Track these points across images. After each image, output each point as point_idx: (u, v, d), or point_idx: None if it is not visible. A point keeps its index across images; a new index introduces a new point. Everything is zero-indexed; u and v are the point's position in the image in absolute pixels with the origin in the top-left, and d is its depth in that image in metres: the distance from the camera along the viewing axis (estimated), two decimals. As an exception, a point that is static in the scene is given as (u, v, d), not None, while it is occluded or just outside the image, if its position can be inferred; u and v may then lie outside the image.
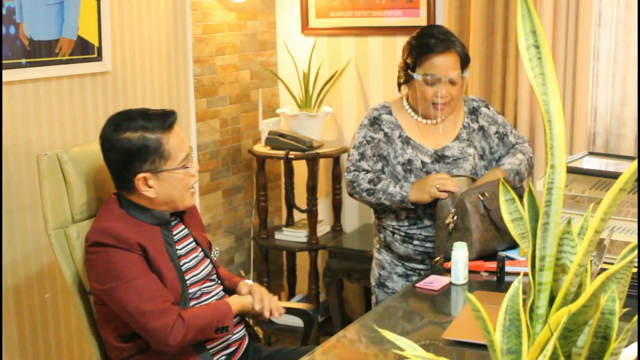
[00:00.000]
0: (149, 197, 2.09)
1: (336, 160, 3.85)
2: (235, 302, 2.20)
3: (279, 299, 4.09)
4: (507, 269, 2.27)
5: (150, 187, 2.08)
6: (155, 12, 3.20)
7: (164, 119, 2.09)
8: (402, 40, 2.70)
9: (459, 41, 2.62)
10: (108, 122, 2.13)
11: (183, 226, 2.22)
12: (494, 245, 2.45)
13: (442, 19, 3.58)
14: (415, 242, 2.63)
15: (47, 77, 2.73)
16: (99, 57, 2.91)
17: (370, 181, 2.58)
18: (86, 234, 2.10)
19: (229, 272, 2.42)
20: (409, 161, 2.61)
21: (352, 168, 2.64)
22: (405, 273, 2.69)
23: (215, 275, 2.28)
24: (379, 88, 3.89)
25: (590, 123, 3.34)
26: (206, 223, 3.73)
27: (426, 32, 2.62)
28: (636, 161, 0.94)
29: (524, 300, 1.05)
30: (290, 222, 4.01)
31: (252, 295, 2.25)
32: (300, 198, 3.92)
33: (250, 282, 2.34)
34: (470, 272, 2.29)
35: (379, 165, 2.64)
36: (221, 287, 2.28)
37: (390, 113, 2.68)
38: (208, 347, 2.12)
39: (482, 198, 2.45)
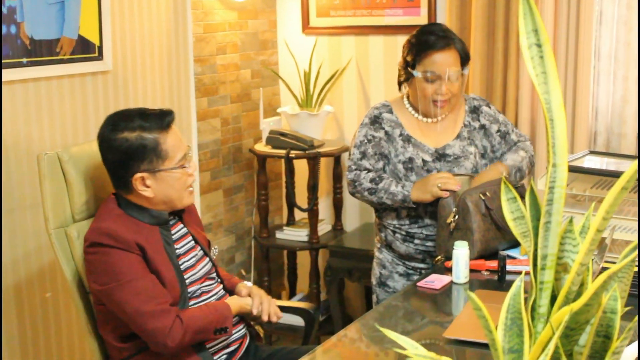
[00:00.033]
0: (147, 197, 2.09)
1: (337, 159, 3.85)
2: (235, 304, 2.20)
3: (280, 298, 4.13)
4: (508, 267, 2.27)
5: (147, 186, 2.08)
6: (156, 11, 3.20)
7: (162, 119, 2.09)
8: (402, 40, 2.70)
9: (458, 38, 2.62)
10: (106, 121, 2.13)
11: (182, 225, 2.22)
12: (495, 245, 2.45)
13: (443, 18, 3.58)
14: (416, 241, 2.63)
15: (48, 76, 2.73)
16: (100, 57, 2.91)
17: (371, 180, 2.58)
18: (85, 234, 2.10)
19: (227, 272, 2.42)
20: (410, 159, 2.61)
21: (353, 167, 2.63)
22: (406, 272, 2.69)
23: (215, 274, 2.28)
24: (379, 87, 3.89)
25: (591, 122, 3.34)
26: (207, 222, 3.73)
27: (426, 30, 2.62)
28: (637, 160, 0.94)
29: (526, 299, 1.05)
30: (291, 221, 4.01)
31: (252, 297, 2.25)
32: (301, 197, 3.92)
33: (249, 283, 2.34)
34: (471, 271, 2.28)
35: (381, 164, 2.64)
36: (221, 286, 2.28)
37: (391, 112, 2.68)
38: (208, 345, 2.12)
39: (483, 197, 2.45)
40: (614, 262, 0.99)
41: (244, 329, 2.26)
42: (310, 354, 1.86)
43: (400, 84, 2.70)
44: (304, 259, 4.04)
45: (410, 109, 2.69)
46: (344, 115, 4.01)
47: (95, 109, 2.92)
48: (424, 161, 2.61)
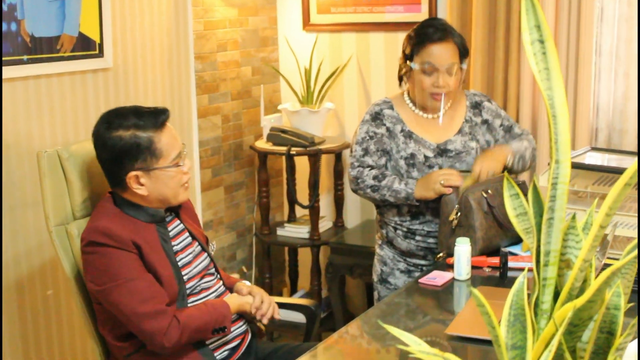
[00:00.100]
0: (142, 195, 2.08)
1: (338, 156, 3.85)
2: (234, 302, 2.19)
3: (281, 294, 4.13)
4: (510, 264, 2.27)
5: (142, 185, 2.07)
6: (156, 9, 3.19)
7: (156, 117, 2.09)
8: (403, 36, 2.70)
9: (457, 33, 2.63)
10: (100, 119, 2.12)
11: (178, 221, 2.22)
12: (497, 242, 2.45)
13: (444, 14, 3.57)
14: (418, 238, 2.63)
15: (49, 73, 2.73)
16: (101, 54, 2.91)
17: (374, 178, 2.58)
18: (81, 233, 2.10)
19: (224, 272, 2.41)
20: (412, 155, 2.61)
21: (356, 164, 2.63)
22: (407, 269, 2.69)
23: (214, 269, 2.27)
24: (380, 84, 3.88)
25: (592, 118, 3.33)
26: (208, 219, 3.73)
27: (426, 23, 2.64)
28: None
29: (529, 296, 1.05)
30: (292, 218, 4.01)
31: (253, 296, 2.24)
32: (302, 194, 3.92)
33: (248, 283, 2.33)
34: (473, 267, 2.29)
35: (383, 161, 2.63)
36: (221, 282, 2.28)
37: (391, 108, 2.68)
38: (208, 342, 2.12)
39: (485, 195, 2.45)
40: (616, 259, 0.99)
41: (244, 326, 2.26)
42: (312, 351, 1.86)
43: (400, 78, 2.70)
44: (305, 256, 4.04)
45: (411, 105, 2.69)
46: (345, 112, 4.00)
47: (95, 107, 2.91)
48: (425, 157, 2.61)
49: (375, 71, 3.89)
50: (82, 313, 2.19)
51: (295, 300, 2.71)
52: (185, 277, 2.12)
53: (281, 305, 2.36)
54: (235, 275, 2.70)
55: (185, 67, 3.39)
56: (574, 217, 1.03)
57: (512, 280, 1.07)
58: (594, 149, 2.73)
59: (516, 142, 2.65)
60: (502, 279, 2.24)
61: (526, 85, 3.34)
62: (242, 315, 2.25)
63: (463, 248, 2.24)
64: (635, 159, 2.48)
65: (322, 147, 3.69)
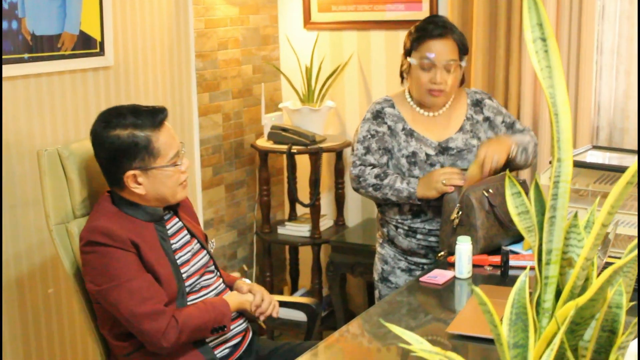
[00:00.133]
0: (140, 194, 2.08)
1: (339, 154, 3.85)
2: (234, 300, 2.19)
3: (282, 293, 4.13)
4: (511, 262, 2.27)
5: (140, 184, 2.07)
6: (157, 7, 3.19)
7: (154, 116, 2.08)
8: (404, 35, 2.70)
9: (458, 30, 2.63)
10: (98, 118, 2.12)
11: (177, 219, 2.22)
12: (498, 241, 2.44)
13: (445, 13, 3.57)
14: (419, 236, 2.63)
15: (50, 72, 2.73)
16: (101, 52, 2.91)
17: (376, 176, 2.58)
18: (80, 233, 2.10)
19: (224, 271, 2.41)
20: (413, 154, 2.61)
21: (358, 162, 2.63)
22: (408, 268, 2.69)
23: (213, 267, 2.27)
24: (381, 82, 3.88)
25: (593, 117, 3.33)
26: (209, 218, 3.73)
27: (427, 20, 2.65)
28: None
29: (530, 294, 1.04)
30: (292, 217, 4.01)
31: (253, 294, 2.24)
32: (303, 192, 3.92)
33: (248, 281, 2.33)
34: (474, 266, 2.28)
35: (385, 159, 2.63)
36: (221, 280, 2.27)
37: (392, 106, 2.68)
38: (207, 340, 2.12)
39: (486, 194, 2.44)
40: (618, 258, 0.99)
41: (244, 324, 2.26)
42: (313, 350, 1.86)
43: (402, 74, 2.70)
44: (306, 255, 4.04)
45: (412, 103, 2.68)
46: (346, 111, 4.00)
47: (96, 105, 2.91)
48: (427, 155, 2.61)
49: (376, 69, 3.89)
50: (83, 312, 2.19)
51: (296, 298, 2.71)
52: (184, 275, 2.12)
53: (282, 304, 2.36)
54: (236, 274, 2.70)
55: (186, 66, 3.39)
56: (575, 216, 1.03)
57: (513, 279, 1.07)
58: (595, 147, 2.73)
59: (519, 135, 2.65)
60: (503, 278, 2.24)
61: (527, 83, 3.34)
62: (243, 314, 2.25)
63: (464, 246, 2.24)
64: (636, 157, 2.48)
65: (323, 145, 3.69)
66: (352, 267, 3.63)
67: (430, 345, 1.02)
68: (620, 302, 1.01)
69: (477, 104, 2.70)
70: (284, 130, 3.70)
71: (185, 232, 2.22)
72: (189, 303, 2.11)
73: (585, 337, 1.04)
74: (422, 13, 3.65)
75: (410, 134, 2.63)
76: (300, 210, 4.02)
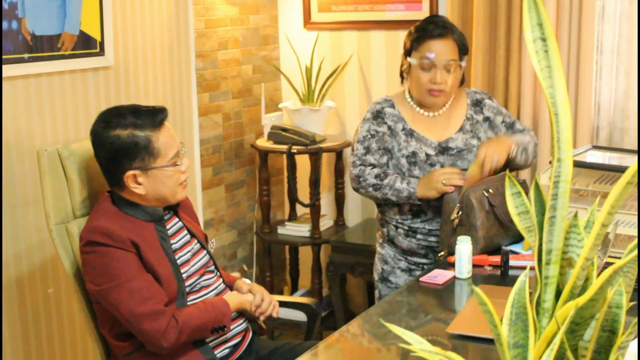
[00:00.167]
0: (139, 194, 2.08)
1: (339, 154, 3.85)
2: (234, 300, 2.19)
3: (282, 293, 4.13)
4: (511, 262, 2.27)
5: (139, 184, 2.07)
6: (157, 7, 3.19)
7: (154, 116, 2.08)
8: (404, 35, 2.70)
9: (458, 30, 2.63)
10: (98, 118, 2.12)
11: (177, 219, 2.22)
12: (498, 241, 2.44)
13: (445, 13, 3.57)
14: (419, 236, 2.63)
15: (50, 72, 2.73)
16: (102, 52, 2.91)
17: (376, 176, 2.58)
18: (80, 233, 2.10)
19: (224, 270, 2.41)
20: (413, 154, 2.61)
21: (358, 162, 2.63)
22: (408, 268, 2.69)
23: (213, 267, 2.27)
24: (381, 82, 3.88)
25: (593, 117, 3.33)
26: (209, 218, 3.73)
27: (427, 20, 2.64)
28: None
29: (530, 294, 1.04)
30: (292, 217, 4.01)
31: (253, 294, 2.24)
32: (303, 192, 3.92)
33: (248, 281, 2.33)
34: (474, 266, 2.28)
35: (385, 159, 2.63)
36: (221, 280, 2.27)
37: (393, 106, 2.68)
38: (207, 340, 2.12)
39: (486, 194, 2.44)
40: (618, 258, 0.99)
41: (244, 323, 2.26)
42: (313, 350, 1.86)
43: (402, 75, 2.70)
44: (306, 255, 4.04)
45: (412, 103, 2.68)
46: (346, 111, 4.00)
47: (96, 105, 2.91)
48: (427, 155, 2.61)
49: (376, 69, 3.89)
50: (83, 312, 2.19)
51: (296, 298, 2.71)
52: (184, 275, 2.12)
53: (282, 304, 2.35)
54: (236, 274, 2.70)
55: (186, 66, 3.39)
56: (575, 216, 1.03)
57: (513, 279, 1.07)
58: (595, 147, 2.73)
59: (519, 135, 2.65)
60: (503, 278, 2.24)
61: (527, 83, 3.34)
62: (243, 314, 2.25)
63: (464, 246, 2.24)
64: (636, 157, 2.48)
65: (323, 145, 3.69)
66: (352, 267, 3.63)
67: (430, 345, 1.02)
68: (620, 302, 1.01)
69: (477, 104, 2.70)
70: (284, 130, 3.70)
71: (185, 232, 2.22)
72: (189, 303, 2.11)
73: (585, 337, 1.04)
74: (422, 13, 3.65)
75: (410, 134, 2.63)
76: (300, 210, 4.02)
